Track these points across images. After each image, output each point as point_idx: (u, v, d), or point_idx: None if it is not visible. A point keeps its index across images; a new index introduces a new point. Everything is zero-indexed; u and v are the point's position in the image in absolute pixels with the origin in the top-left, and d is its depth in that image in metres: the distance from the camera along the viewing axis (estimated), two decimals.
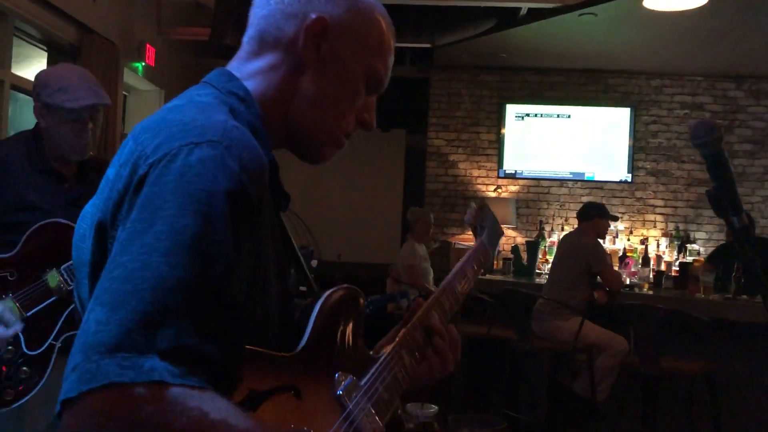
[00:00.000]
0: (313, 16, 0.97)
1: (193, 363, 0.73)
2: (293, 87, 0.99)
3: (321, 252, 7.69)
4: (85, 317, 0.75)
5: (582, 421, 4.89)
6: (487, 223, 1.47)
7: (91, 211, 0.92)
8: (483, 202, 1.55)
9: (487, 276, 6.34)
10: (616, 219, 5.42)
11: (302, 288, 1.13)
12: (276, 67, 1.00)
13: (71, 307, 2.11)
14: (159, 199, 0.79)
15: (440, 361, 1.16)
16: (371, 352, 1.10)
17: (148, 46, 5.81)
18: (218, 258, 0.78)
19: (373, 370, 1.04)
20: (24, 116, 4.69)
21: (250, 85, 0.99)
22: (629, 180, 7.30)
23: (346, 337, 1.02)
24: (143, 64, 5.81)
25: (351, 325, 1.03)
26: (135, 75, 5.82)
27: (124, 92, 5.78)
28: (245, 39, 1.03)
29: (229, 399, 0.76)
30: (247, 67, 1.01)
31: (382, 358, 1.07)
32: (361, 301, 1.05)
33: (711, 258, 5.49)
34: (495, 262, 6.82)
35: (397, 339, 1.11)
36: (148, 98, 6.20)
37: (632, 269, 5.78)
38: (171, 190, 0.79)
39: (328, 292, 0.99)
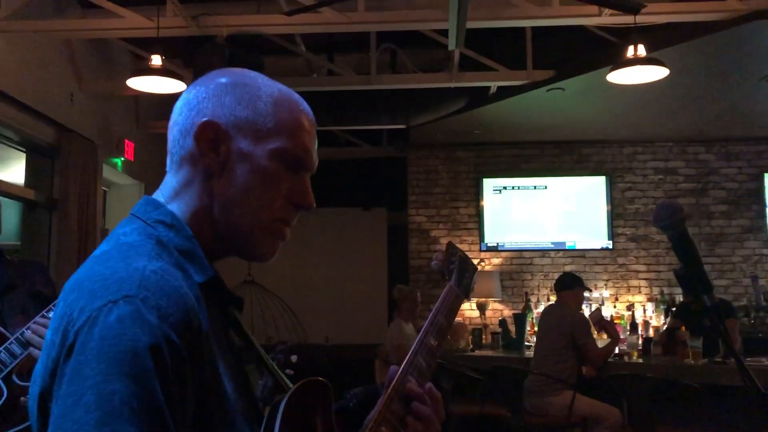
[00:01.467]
0: (198, 122, 0.98)
1: None
2: (209, 195, 0.99)
3: (308, 336, 7.62)
4: None
5: None
6: (455, 265, 1.38)
7: (39, 375, 0.89)
8: (450, 243, 1.45)
9: (477, 352, 6.28)
10: (590, 290, 5.49)
11: (279, 398, 1.10)
12: (189, 183, 1.00)
13: None
14: (85, 368, 0.78)
15: (423, 425, 1.08)
16: None
17: (126, 141, 5.87)
18: (152, 416, 0.77)
19: None
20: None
21: (175, 207, 0.99)
22: (610, 247, 7.35)
23: (318, 429, 0.99)
24: (122, 159, 5.87)
25: (321, 415, 1.01)
26: (115, 171, 5.86)
27: (104, 188, 5.81)
28: (168, 162, 1.04)
29: None
30: (168, 190, 1.02)
31: None
32: (329, 388, 1.03)
33: (675, 315, 5.64)
34: (483, 336, 6.78)
35: (374, 417, 1.05)
36: (128, 192, 6.23)
37: (621, 337, 5.76)
38: (95, 357, 0.78)
39: (288, 394, 0.97)
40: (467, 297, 1.38)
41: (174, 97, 1.08)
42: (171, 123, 1.03)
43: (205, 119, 0.98)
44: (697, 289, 1.14)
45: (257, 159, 0.99)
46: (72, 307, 0.84)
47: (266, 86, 1.03)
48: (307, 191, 1.05)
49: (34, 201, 5.04)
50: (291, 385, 1.06)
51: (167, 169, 1.04)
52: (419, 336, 1.22)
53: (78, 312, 0.82)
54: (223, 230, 1.00)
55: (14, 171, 5.07)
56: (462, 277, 1.38)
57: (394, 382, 1.11)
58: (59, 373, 0.81)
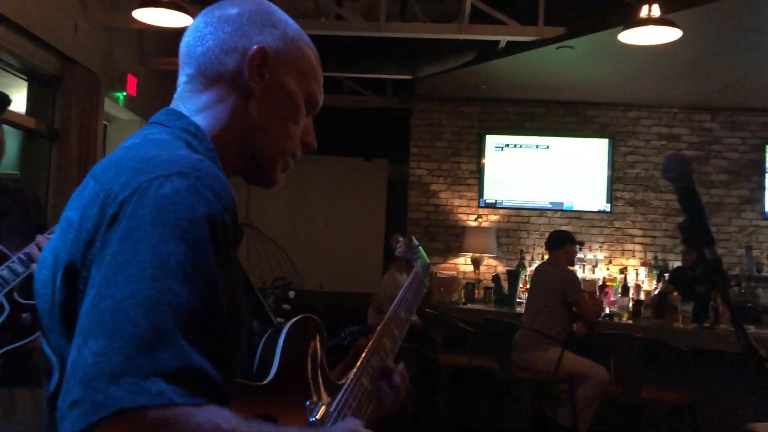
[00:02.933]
0: (255, 47, 1.01)
1: (194, 382, 0.74)
2: (243, 116, 1.02)
3: (303, 282, 7.67)
4: (75, 353, 0.75)
5: None
6: (417, 256, 1.68)
7: (52, 257, 0.91)
8: (409, 237, 1.74)
9: (468, 305, 6.35)
10: (582, 244, 5.52)
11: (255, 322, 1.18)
12: (223, 100, 1.02)
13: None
14: (138, 232, 0.78)
15: (394, 394, 1.26)
16: (333, 379, 1.17)
17: (129, 76, 5.81)
18: (205, 282, 0.79)
19: (339, 396, 1.09)
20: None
21: (200, 120, 1.01)
22: (608, 210, 7.37)
23: (312, 366, 1.09)
24: (124, 94, 5.82)
25: (315, 353, 1.10)
26: (116, 105, 5.82)
27: (105, 122, 5.78)
28: (184, 78, 1.05)
29: (232, 411, 0.77)
30: (193, 104, 1.03)
31: (346, 384, 1.13)
32: (322, 329, 1.13)
33: (669, 281, 5.70)
34: (476, 291, 6.84)
35: (357, 365, 1.18)
36: (129, 128, 6.19)
37: (612, 298, 5.82)
38: (149, 222, 0.79)
39: (290, 323, 1.05)
40: (424, 285, 1.66)
41: (180, 33, 1.08)
42: (200, 35, 1.04)
43: (261, 45, 1.01)
44: (700, 242, 1.15)
45: (295, 96, 1.05)
46: (110, 183, 0.84)
47: (295, 25, 1.09)
48: (313, 132, 1.12)
49: (35, 130, 5.01)
50: (275, 320, 1.15)
51: (186, 81, 1.05)
52: (391, 309, 1.44)
53: (120, 186, 0.83)
54: (245, 152, 1.04)
55: (16, 99, 5.02)
56: (423, 266, 1.69)
57: (372, 340, 1.30)
58: (102, 241, 0.81)
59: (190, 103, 1.03)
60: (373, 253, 7.72)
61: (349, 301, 7.00)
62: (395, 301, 1.44)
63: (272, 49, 1.02)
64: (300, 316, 1.06)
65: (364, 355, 1.21)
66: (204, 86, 1.03)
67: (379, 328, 1.33)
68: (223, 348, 0.80)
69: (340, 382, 1.14)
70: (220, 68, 1.02)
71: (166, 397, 0.70)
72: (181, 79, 1.06)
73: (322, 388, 1.09)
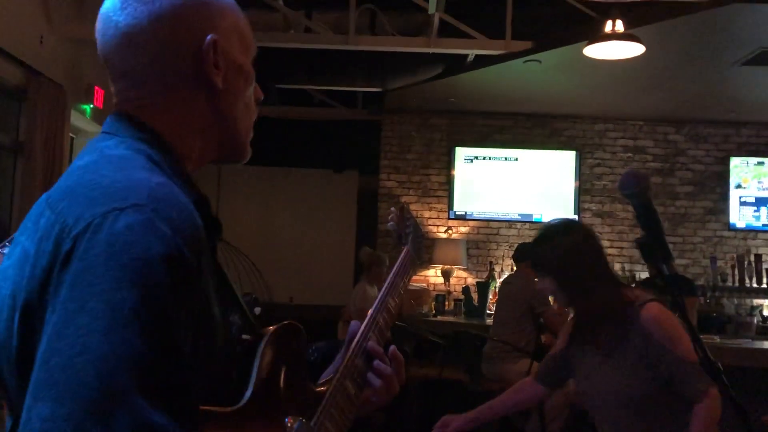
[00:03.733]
0: (207, 39, 0.95)
1: None
2: (210, 112, 0.98)
3: (272, 295, 7.63)
4: (25, 415, 0.70)
5: None
6: (410, 229, 1.45)
7: (8, 288, 0.83)
8: (403, 205, 1.53)
9: (439, 317, 6.36)
10: None
11: (245, 337, 1.11)
12: (186, 101, 0.96)
13: None
14: (89, 275, 0.73)
15: (384, 383, 1.13)
16: (316, 387, 1.07)
17: (97, 88, 5.76)
18: (163, 328, 0.73)
19: (320, 409, 1.02)
20: None
21: (158, 124, 0.94)
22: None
23: (291, 379, 1.00)
24: (92, 106, 5.76)
25: (294, 365, 1.01)
26: (83, 117, 5.75)
27: (71, 134, 5.71)
28: (123, 86, 0.97)
29: None
30: (152, 108, 0.95)
31: (327, 393, 1.05)
32: (302, 335, 1.02)
33: None
34: (446, 303, 6.86)
35: (338, 369, 1.10)
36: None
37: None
38: (102, 263, 0.73)
39: (266, 337, 0.96)
40: (420, 259, 1.46)
41: None
42: (132, 34, 0.94)
43: (210, 36, 0.96)
44: (658, 258, 1.17)
45: (247, 68, 1.02)
46: (65, 215, 0.78)
47: None
48: (257, 84, 1.08)
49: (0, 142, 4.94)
50: (254, 323, 1.07)
51: (127, 89, 0.96)
52: (380, 295, 1.27)
53: (74, 219, 0.77)
54: (218, 142, 1.01)
55: None
56: (415, 242, 1.46)
57: (357, 338, 1.15)
58: (55, 281, 0.75)
59: (146, 107, 0.96)
60: (344, 266, 7.71)
61: (320, 314, 6.97)
62: (383, 289, 1.30)
63: (219, 31, 0.97)
64: (277, 326, 0.99)
65: (348, 356, 1.12)
66: (155, 91, 0.96)
67: (365, 322, 1.20)
68: (185, 397, 0.75)
69: (321, 389, 1.06)
70: (174, 69, 0.95)
71: None
72: (120, 88, 0.98)
73: (303, 400, 1.01)
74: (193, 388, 0.76)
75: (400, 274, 1.34)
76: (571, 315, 2.22)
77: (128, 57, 0.95)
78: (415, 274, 1.45)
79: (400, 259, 1.38)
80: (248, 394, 0.91)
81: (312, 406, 1.02)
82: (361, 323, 1.20)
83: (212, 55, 0.96)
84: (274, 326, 1.00)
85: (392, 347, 1.18)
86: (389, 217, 1.48)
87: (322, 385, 1.08)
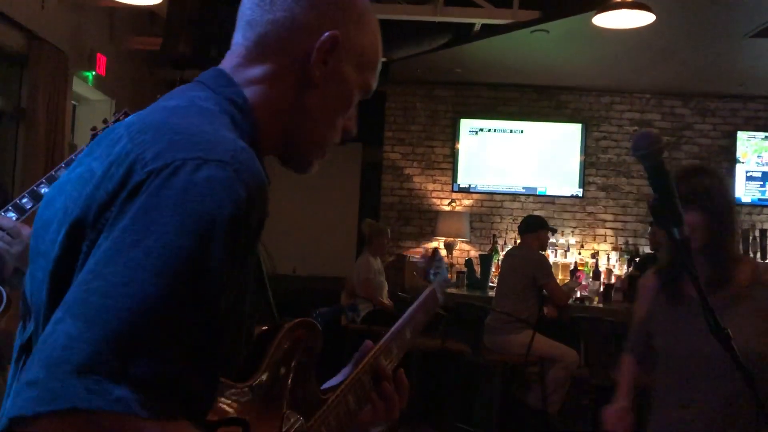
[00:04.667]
0: (327, 33, 0.94)
1: (168, 393, 0.69)
2: (294, 99, 0.96)
3: (276, 266, 7.62)
4: (51, 327, 0.69)
5: None
6: (438, 270, 1.50)
7: (61, 201, 0.83)
8: (435, 249, 1.60)
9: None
10: (555, 230, 5.55)
11: (264, 328, 1.10)
12: (278, 78, 0.95)
13: None
14: (156, 212, 0.73)
15: (385, 405, 1.15)
16: (321, 392, 1.08)
17: (99, 55, 5.70)
18: (210, 285, 0.73)
19: (319, 413, 1.02)
20: None
21: (249, 92, 0.94)
22: (580, 195, 7.42)
23: (300, 375, 1.00)
24: (93, 73, 5.70)
25: (306, 362, 1.01)
26: (85, 84, 5.70)
27: (73, 102, 5.66)
28: (240, 39, 0.97)
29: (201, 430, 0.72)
30: (246, 73, 0.96)
31: (330, 401, 1.06)
32: (319, 336, 1.02)
33: (638, 266, 5.77)
34: (450, 275, 6.85)
35: (345, 382, 1.10)
36: (98, 108, 6.08)
37: (583, 282, 5.87)
38: (171, 206, 0.73)
39: (288, 326, 0.96)
40: (442, 301, 1.52)
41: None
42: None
43: (334, 33, 0.94)
44: (669, 221, 1.15)
45: (351, 86, 0.99)
46: (144, 147, 0.78)
47: (369, 8, 1.02)
48: (356, 119, 1.07)
49: (1, 109, 4.90)
50: (277, 317, 1.06)
51: (239, 46, 0.97)
52: (397, 323, 1.30)
53: (153, 154, 0.76)
54: (288, 135, 0.99)
55: None
56: (442, 283, 1.52)
57: (368, 357, 1.17)
58: (117, 209, 0.75)
59: (243, 70, 0.95)
60: (347, 238, 7.70)
61: (322, 285, 6.98)
62: (402, 318, 1.31)
63: (344, 36, 0.95)
64: (299, 320, 0.99)
65: (356, 371, 1.13)
66: (262, 56, 0.95)
67: (378, 344, 1.22)
68: (214, 360, 0.75)
69: (325, 397, 1.06)
70: (285, 44, 0.94)
71: (124, 404, 0.65)
72: (237, 40, 0.98)
73: (306, 400, 1.01)
74: (221, 352, 0.76)
75: (421, 310, 1.37)
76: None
77: (256, 12, 0.96)
78: (432, 317, 1.49)
79: (424, 295, 1.41)
80: (258, 376, 0.91)
81: (312, 408, 1.03)
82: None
83: (327, 49, 0.94)
84: (295, 321, 0.99)
85: (400, 370, 1.20)
86: (421, 255, 1.55)
87: (326, 392, 1.09)
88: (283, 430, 0.93)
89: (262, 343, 0.94)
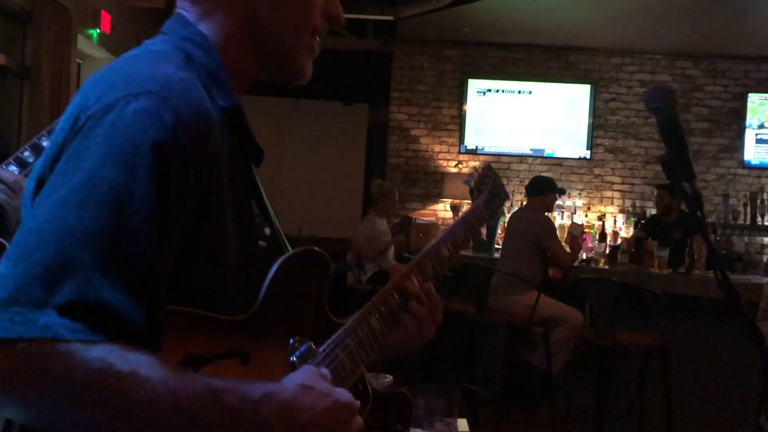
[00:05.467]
0: None
1: (97, 318, 0.69)
2: (249, 16, 0.95)
3: (281, 226, 7.62)
4: None
5: (538, 392, 4.96)
6: (487, 186, 1.35)
7: (37, 168, 0.86)
8: (488, 165, 1.43)
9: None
10: (563, 192, 5.52)
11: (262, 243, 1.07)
12: (224, 3, 0.95)
13: None
14: (85, 151, 0.75)
15: (416, 323, 1.08)
16: (336, 318, 1.02)
17: (103, 12, 5.64)
18: (137, 211, 0.74)
19: (334, 336, 0.98)
20: None
21: (205, 28, 0.94)
22: (588, 157, 7.37)
23: (306, 301, 0.96)
24: (98, 31, 5.65)
25: (312, 288, 0.97)
26: (90, 42, 5.66)
27: (78, 60, 5.62)
28: None
29: (144, 353, 0.71)
30: (196, 11, 0.96)
31: (347, 324, 1.01)
32: (328, 264, 0.98)
33: (644, 228, 5.77)
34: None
35: (367, 304, 1.05)
36: (104, 66, 6.04)
37: (589, 245, 5.86)
38: (99, 142, 0.75)
39: (288, 253, 0.94)
40: (492, 220, 1.36)
41: None
42: None
43: None
44: (680, 176, 1.13)
45: None
46: (88, 97, 0.80)
47: None
48: (338, 4, 1.02)
49: (6, 67, 4.86)
50: (289, 248, 1.04)
51: None
52: (435, 240, 1.22)
53: (95, 100, 0.79)
54: (262, 51, 0.97)
55: None
56: (491, 200, 1.35)
57: (396, 277, 1.11)
58: (63, 155, 0.78)
59: (191, 10, 0.96)
60: (353, 198, 7.69)
61: (328, 246, 6.94)
62: (439, 235, 1.22)
63: None
64: (301, 248, 0.95)
65: (382, 291, 1.07)
66: None
67: (409, 264, 1.14)
68: (155, 286, 0.74)
69: (341, 322, 1.01)
70: None
71: (51, 330, 0.67)
72: None
73: (317, 327, 0.97)
74: (159, 280, 0.76)
75: (463, 226, 1.27)
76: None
77: None
78: (481, 228, 1.36)
79: (467, 211, 1.32)
80: (254, 307, 0.89)
81: (326, 334, 0.98)
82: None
83: None
84: (296, 249, 0.96)
85: (428, 285, 1.12)
86: (469, 173, 1.38)
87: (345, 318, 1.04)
88: (290, 357, 0.91)
89: (262, 275, 0.92)
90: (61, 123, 0.82)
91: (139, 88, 0.78)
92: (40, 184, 0.80)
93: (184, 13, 0.96)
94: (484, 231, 6.66)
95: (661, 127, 1.13)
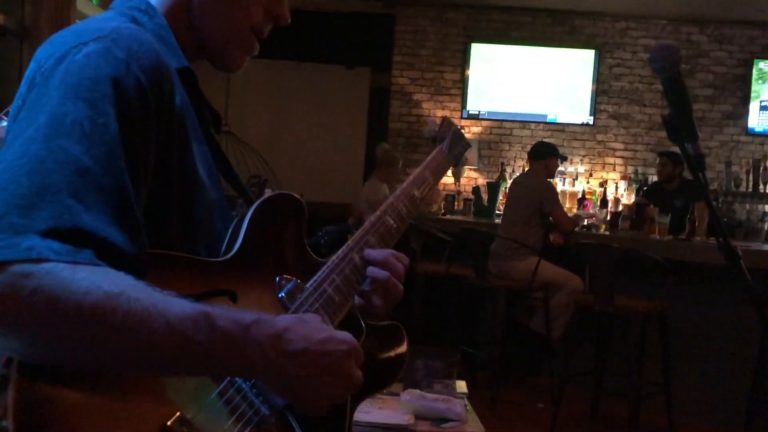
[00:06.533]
0: None
1: (78, 241, 0.70)
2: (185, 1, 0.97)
3: (283, 191, 7.62)
4: None
5: (537, 357, 5.01)
6: (447, 135, 1.38)
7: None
8: (446, 118, 1.47)
9: (447, 216, 6.37)
10: (565, 158, 5.52)
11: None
12: None
13: None
14: (45, 97, 0.77)
15: (379, 288, 1.07)
16: (318, 258, 1.05)
17: None
18: (104, 142, 0.75)
19: (319, 272, 1.00)
20: None
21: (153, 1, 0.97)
22: (591, 123, 7.33)
23: (287, 241, 0.99)
24: None
25: (292, 229, 0.99)
26: (90, 3, 5.59)
27: (77, 20, 5.57)
28: None
29: (131, 276, 0.72)
30: None
31: (330, 260, 1.03)
32: (302, 205, 1.01)
33: (645, 195, 5.76)
34: (456, 202, 6.85)
35: (347, 243, 1.07)
36: None
37: (590, 211, 5.86)
38: (56, 85, 0.77)
39: (263, 198, 0.96)
40: (455, 164, 1.41)
41: None
42: None
43: None
44: (683, 136, 1.12)
45: None
46: (40, 59, 0.83)
47: None
48: (284, 4, 1.02)
49: (4, 27, 4.81)
50: (250, 192, 1.06)
51: None
52: (403, 185, 1.24)
53: (47, 58, 0.81)
54: (198, 31, 0.98)
55: None
56: (453, 146, 1.39)
57: (373, 217, 1.13)
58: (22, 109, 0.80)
59: None
60: (354, 164, 7.66)
61: (330, 211, 6.98)
62: (408, 179, 1.25)
63: None
64: (276, 193, 0.98)
65: (360, 232, 1.09)
66: None
67: (383, 205, 1.16)
68: (131, 212, 0.76)
69: (324, 261, 1.03)
70: None
71: (36, 251, 0.67)
72: None
73: (300, 266, 0.99)
74: (133, 209, 0.77)
75: (429, 168, 1.30)
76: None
77: None
78: (445, 171, 1.41)
79: (430, 156, 1.34)
80: (236, 248, 0.90)
81: (310, 272, 1.00)
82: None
83: None
84: (271, 194, 0.98)
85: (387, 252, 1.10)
86: (429, 123, 1.43)
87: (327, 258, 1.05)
88: (278, 294, 0.93)
89: (240, 219, 0.94)
90: (20, 89, 0.83)
91: (87, 37, 0.80)
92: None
93: None
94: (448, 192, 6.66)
95: (665, 87, 1.12)
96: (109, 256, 0.72)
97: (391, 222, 1.15)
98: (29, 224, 0.69)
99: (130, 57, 0.80)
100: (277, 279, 0.94)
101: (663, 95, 1.14)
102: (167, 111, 0.84)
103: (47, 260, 0.67)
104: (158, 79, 0.82)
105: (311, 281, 0.99)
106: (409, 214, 1.19)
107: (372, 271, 1.06)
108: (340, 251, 1.05)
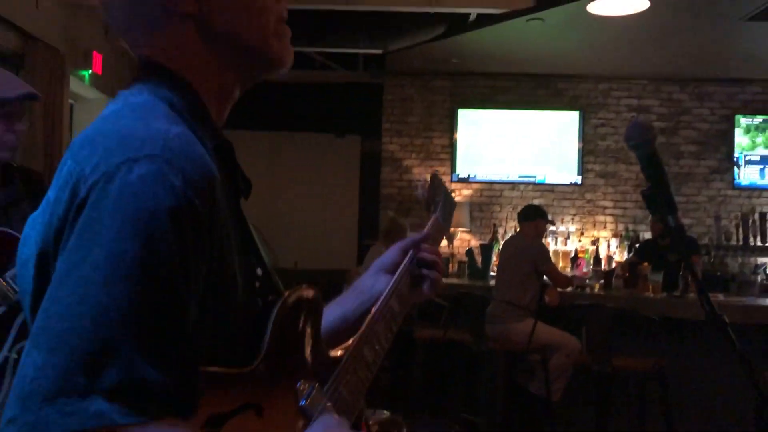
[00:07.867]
0: None
1: (144, 397, 0.69)
2: (209, 38, 0.92)
3: (277, 260, 7.64)
4: (22, 361, 0.70)
5: (538, 420, 4.94)
6: (440, 198, 1.41)
7: (32, 236, 0.83)
8: (434, 174, 1.50)
9: (443, 279, 6.37)
10: (553, 223, 5.60)
11: (271, 298, 1.06)
12: (179, 36, 0.91)
13: (22, 316, 2.01)
14: (97, 224, 0.72)
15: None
16: (331, 353, 1.03)
17: (95, 53, 5.70)
18: (164, 282, 0.72)
19: (335, 373, 0.98)
20: None
21: (173, 63, 0.91)
22: (579, 182, 7.42)
23: (306, 342, 0.96)
24: (90, 72, 5.70)
25: (310, 327, 0.97)
26: (81, 83, 5.70)
27: (70, 101, 5.67)
28: (129, 28, 0.94)
29: (189, 425, 0.71)
30: (155, 49, 0.92)
31: (344, 359, 1.01)
32: (319, 298, 0.98)
33: (637, 253, 5.79)
34: (450, 265, 6.87)
35: (358, 334, 1.06)
36: (96, 106, 6.08)
37: (584, 270, 5.88)
38: (109, 213, 0.72)
39: (282, 298, 0.92)
40: (448, 229, 1.45)
41: None
42: None
43: None
44: (663, 209, 1.16)
45: None
46: (83, 164, 0.77)
47: None
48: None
49: None
50: (280, 285, 1.03)
51: (132, 28, 0.93)
52: (404, 262, 1.26)
53: (91, 168, 0.75)
54: (235, 59, 0.94)
55: None
56: (445, 210, 1.42)
57: (378, 304, 1.13)
58: (68, 230, 0.75)
59: (155, 48, 0.92)
60: (348, 230, 7.71)
61: (325, 278, 6.98)
62: (405, 261, 1.25)
63: None
64: (296, 291, 0.94)
65: (367, 322, 1.08)
66: (147, 36, 0.92)
67: (387, 289, 1.16)
68: (186, 354, 0.74)
69: (336, 355, 1.02)
70: (152, 11, 0.91)
71: (106, 417, 0.65)
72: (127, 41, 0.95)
73: (318, 365, 0.97)
74: (195, 346, 0.75)
75: (427, 239, 1.32)
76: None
77: (114, 4, 0.93)
78: (442, 239, 1.46)
79: (428, 225, 1.37)
80: (260, 357, 0.88)
81: (327, 372, 0.99)
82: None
83: None
84: (291, 290, 0.94)
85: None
86: (419, 186, 1.48)
87: (338, 351, 1.04)
88: (299, 401, 0.91)
89: (262, 321, 0.91)
90: (56, 192, 0.79)
91: (138, 152, 0.75)
92: (43, 257, 0.79)
93: (145, 54, 0.93)
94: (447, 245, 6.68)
95: (642, 163, 1.16)
96: (170, 408, 0.71)
97: (396, 306, 1.16)
98: (94, 384, 0.67)
99: (186, 182, 0.75)
100: (298, 384, 0.92)
101: (640, 169, 1.18)
102: (217, 227, 0.80)
103: (116, 426, 0.66)
104: (211, 200, 0.79)
105: (328, 385, 0.97)
106: (402, 311, 1.21)
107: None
108: (351, 347, 1.04)
